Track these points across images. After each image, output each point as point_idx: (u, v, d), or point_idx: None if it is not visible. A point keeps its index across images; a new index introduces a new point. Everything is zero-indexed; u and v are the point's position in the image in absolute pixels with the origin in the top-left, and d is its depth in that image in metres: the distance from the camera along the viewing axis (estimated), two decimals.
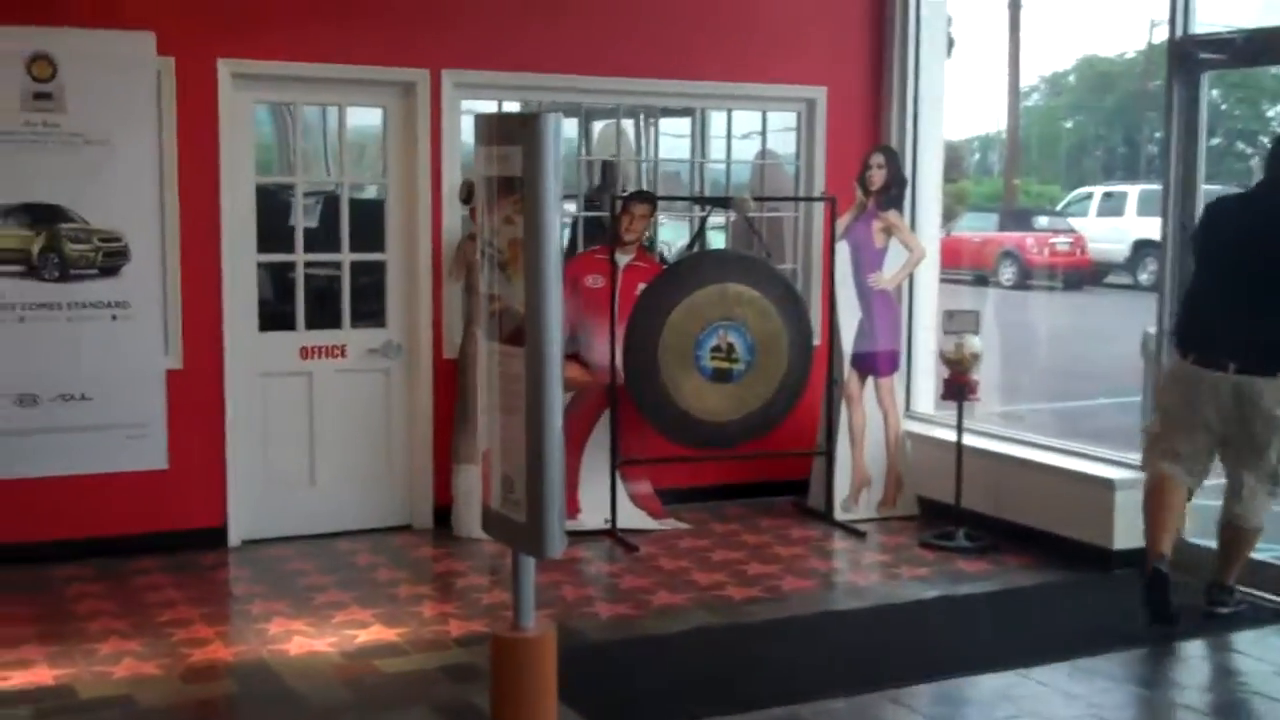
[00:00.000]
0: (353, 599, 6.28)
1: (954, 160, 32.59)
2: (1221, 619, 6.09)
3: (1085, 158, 37.46)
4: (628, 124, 8.95)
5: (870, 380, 8.04)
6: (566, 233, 8.91)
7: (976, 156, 39.26)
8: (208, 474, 7.08)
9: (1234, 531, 6.13)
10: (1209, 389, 5.96)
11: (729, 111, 8.29)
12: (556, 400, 3.90)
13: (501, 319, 3.97)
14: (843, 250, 7.96)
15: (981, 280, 23.08)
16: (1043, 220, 24.95)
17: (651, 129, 8.81)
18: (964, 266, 22.45)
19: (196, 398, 7.00)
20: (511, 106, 7.77)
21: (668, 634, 5.89)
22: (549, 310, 3.79)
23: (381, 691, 5.22)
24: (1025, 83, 35.96)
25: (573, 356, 7.70)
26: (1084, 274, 23.43)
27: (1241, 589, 6.26)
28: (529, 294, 3.79)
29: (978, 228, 25.28)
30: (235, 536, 7.15)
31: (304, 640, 5.73)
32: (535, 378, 3.83)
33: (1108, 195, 25.28)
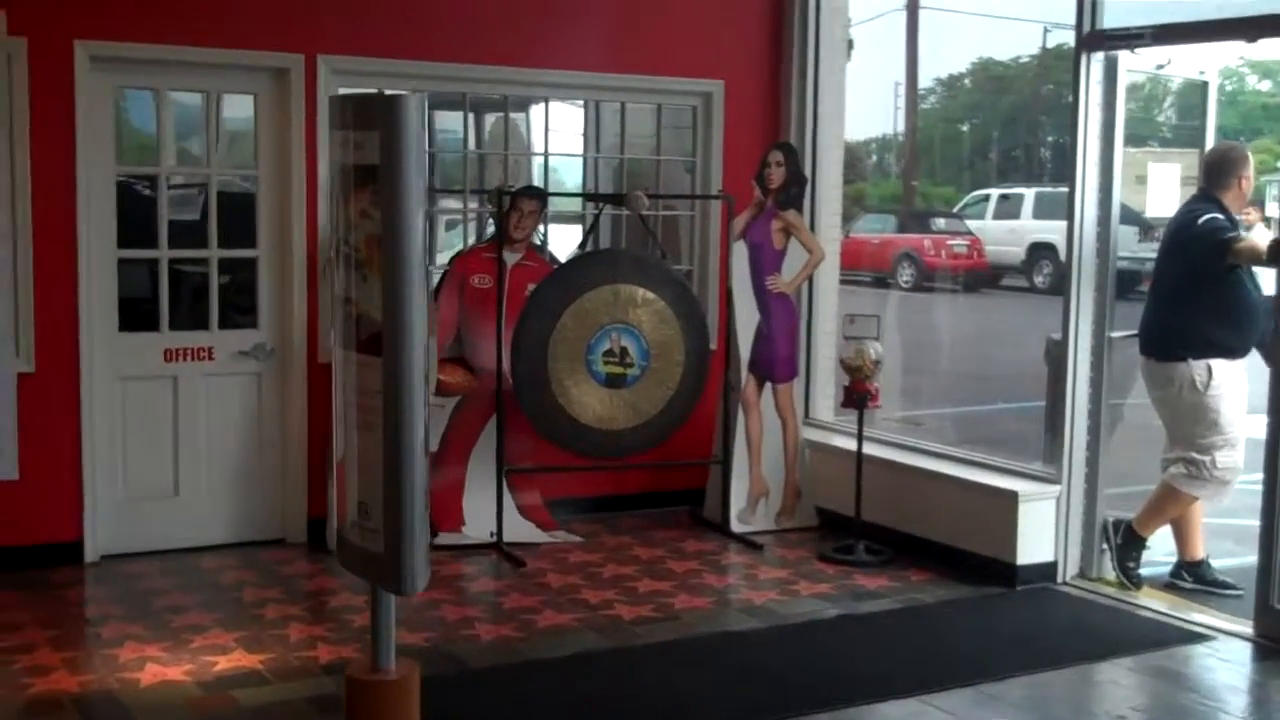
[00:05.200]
0: (214, 621, 5.84)
1: (852, 161, 32.66)
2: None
3: (981, 160, 37.73)
4: (519, 117, 8.61)
5: (768, 386, 7.74)
6: (457, 231, 8.54)
7: (874, 158, 39.42)
8: (62, 485, 6.59)
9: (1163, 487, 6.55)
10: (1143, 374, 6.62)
11: (622, 105, 7.95)
12: (418, 417, 3.50)
13: (358, 324, 3.56)
14: (740, 251, 7.65)
15: (881, 282, 23.01)
16: (940, 222, 24.95)
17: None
18: (863, 268, 22.37)
19: (50, 403, 6.52)
20: None
21: (551, 659, 5.53)
22: (410, 315, 3.40)
23: None
24: (922, 85, 36.15)
25: (458, 360, 7.33)
26: (981, 276, 23.46)
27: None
28: (388, 297, 3.40)
29: (876, 230, 25.23)
30: (92, 552, 6.67)
31: (158, 668, 5.29)
32: (394, 391, 3.43)
33: (1004, 197, 25.34)
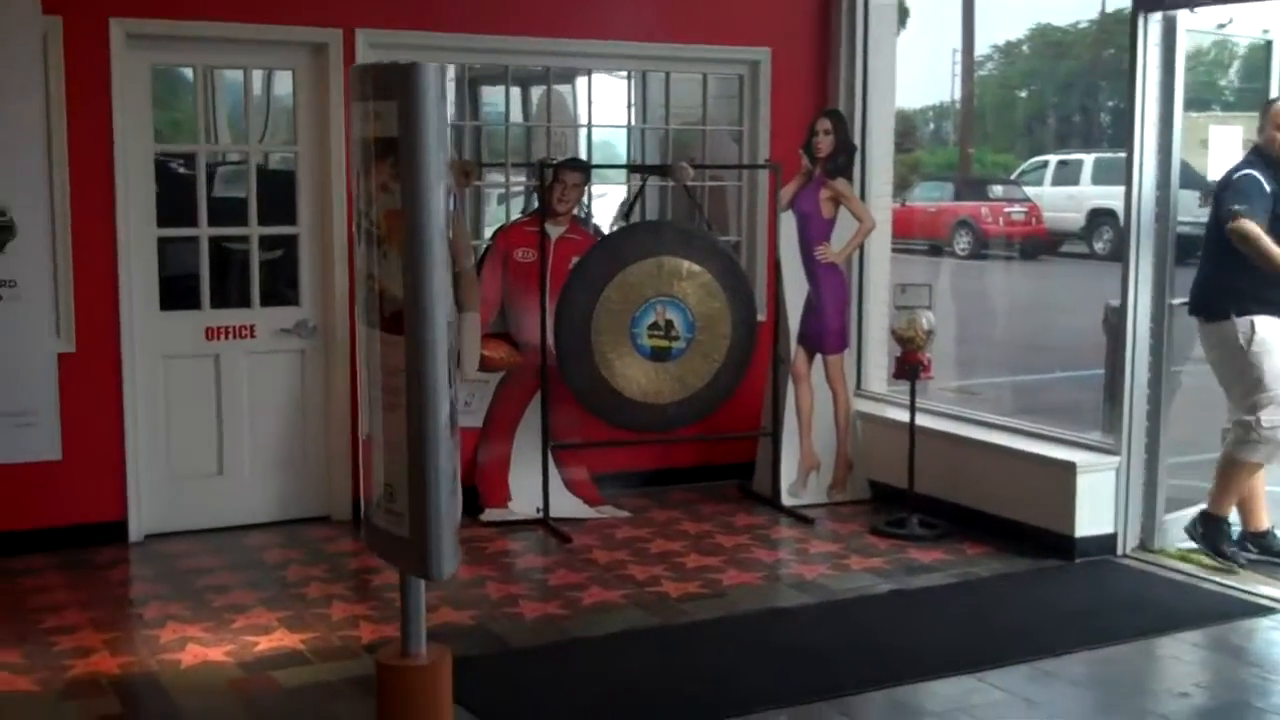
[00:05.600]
0: (257, 600, 5.79)
1: (908, 130, 32.38)
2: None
3: (1039, 126, 37.26)
4: (565, 89, 8.48)
5: (818, 358, 7.60)
6: (498, 205, 8.44)
7: (931, 126, 39.05)
8: (105, 464, 6.55)
9: (1223, 458, 6.37)
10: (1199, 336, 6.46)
11: (667, 74, 7.80)
12: (442, 396, 3.37)
13: (380, 301, 3.45)
14: (788, 221, 7.50)
15: (936, 250, 22.76)
16: (998, 189, 24.61)
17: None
18: (918, 237, 22.13)
19: (92, 382, 6.48)
20: None
21: (596, 638, 5.43)
22: (432, 292, 3.28)
23: (276, 709, 4.74)
24: (979, 52, 35.73)
25: (502, 335, 7.23)
26: (1040, 243, 23.15)
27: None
28: (409, 273, 3.28)
29: (933, 197, 24.95)
30: (136, 531, 6.64)
31: (199, 648, 5.24)
32: (418, 370, 3.31)
33: (1063, 163, 24.97)
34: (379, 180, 3.36)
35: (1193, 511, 6.49)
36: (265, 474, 6.93)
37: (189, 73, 7.06)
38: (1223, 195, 6.25)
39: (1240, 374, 6.23)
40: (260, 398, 6.89)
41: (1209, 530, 6.36)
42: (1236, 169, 6.29)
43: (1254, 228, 6.09)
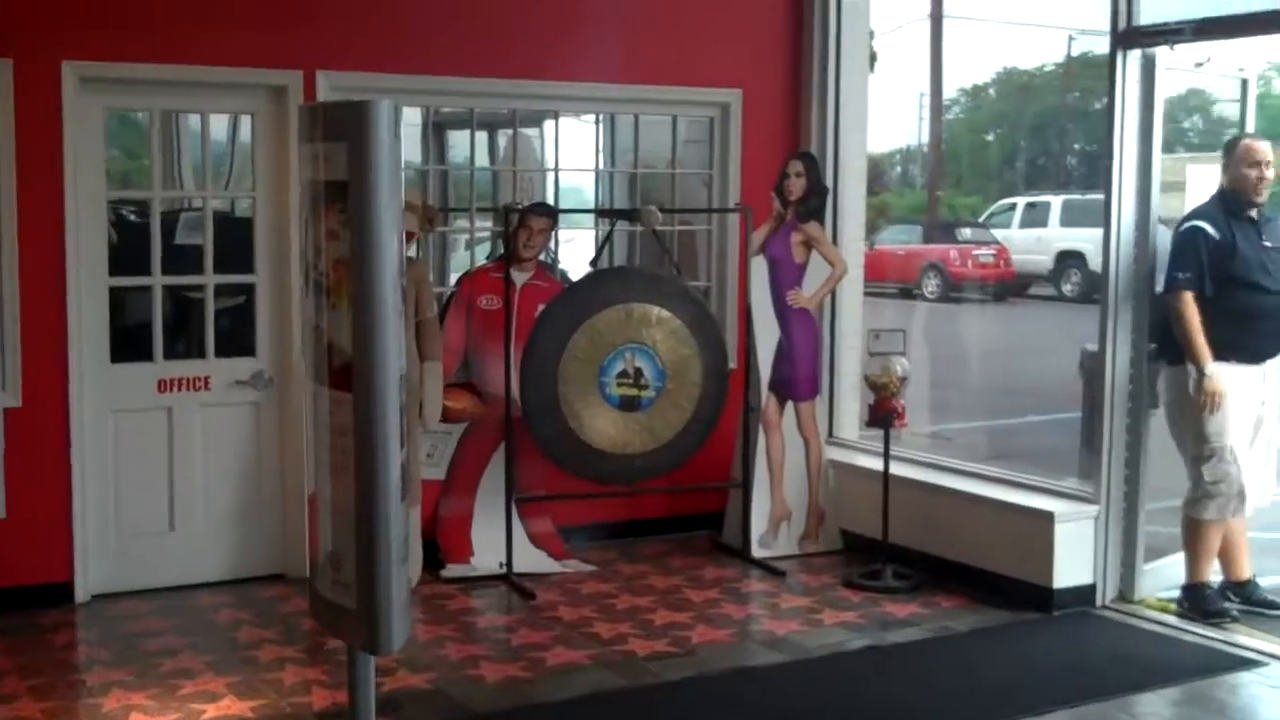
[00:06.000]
0: (206, 664, 5.55)
1: (877, 173, 32.42)
2: None
3: (1008, 170, 37.40)
4: (533, 132, 8.33)
5: (790, 405, 7.43)
6: (465, 251, 8.26)
7: (899, 169, 39.14)
8: (51, 522, 6.30)
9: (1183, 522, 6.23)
10: None
11: (636, 117, 7.65)
12: (393, 459, 3.18)
13: (329, 356, 3.24)
14: (759, 266, 7.35)
15: (906, 293, 22.69)
16: (966, 232, 24.60)
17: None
18: (888, 280, 22.06)
19: (38, 437, 6.24)
20: None
21: (559, 701, 5.21)
22: (383, 347, 3.08)
23: None
24: (947, 96, 35.86)
25: (466, 385, 7.05)
26: (1008, 286, 23.11)
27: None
28: (358, 326, 3.08)
29: (901, 240, 24.92)
30: (83, 592, 6.38)
31: (143, 717, 5.00)
32: (367, 431, 3.11)
33: (1031, 205, 24.99)
34: (328, 226, 3.16)
35: (1172, 561, 6.34)
36: (218, 531, 6.69)
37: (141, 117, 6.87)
38: (1172, 246, 6.14)
39: (1186, 423, 6.09)
40: (214, 452, 6.66)
41: (1194, 601, 6.16)
42: (1187, 217, 6.17)
43: (1189, 311, 5.98)
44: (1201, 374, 5.94)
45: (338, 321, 3.16)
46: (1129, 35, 6.15)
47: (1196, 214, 6.16)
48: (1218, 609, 6.10)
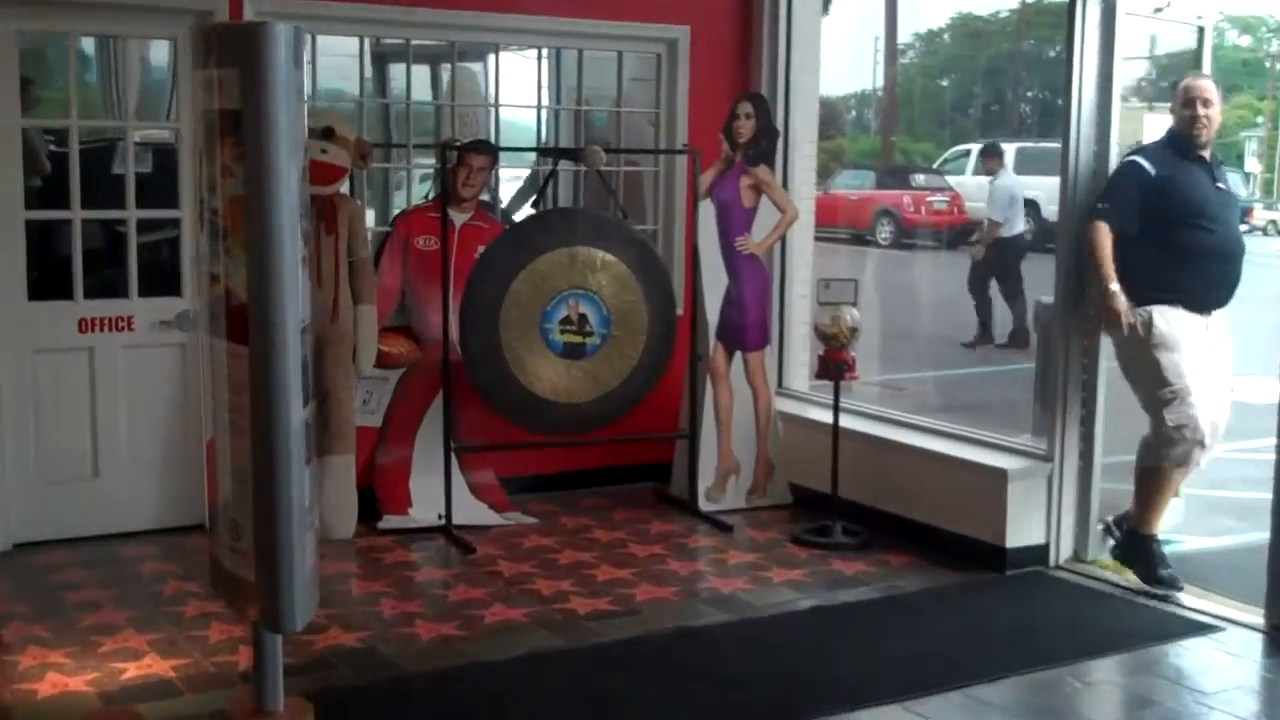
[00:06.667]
0: (128, 620, 5.30)
1: (831, 117, 32.12)
2: None
3: (962, 116, 37.24)
4: (476, 67, 8.03)
5: (738, 355, 7.21)
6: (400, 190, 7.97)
7: (854, 113, 38.87)
8: None
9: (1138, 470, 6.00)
10: None
11: (580, 52, 7.36)
12: (295, 418, 2.91)
13: (226, 305, 2.97)
14: (707, 210, 7.11)
15: (859, 239, 22.48)
16: (919, 178, 24.37)
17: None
18: (841, 225, 21.84)
19: None
20: (327, 43, 6.78)
21: (496, 661, 5.00)
22: (282, 294, 2.81)
23: None
24: (902, 40, 35.63)
25: (403, 329, 6.79)
26: (962, 232, 22.94)
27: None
28: (253, 272, 2.81)
29: (854, 186, 24.68)
30: (3, 540, 6.13)
31: (59, 676, 4.75)
32: (265, 387, 2.84)
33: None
34: (223, 161, 2.88)
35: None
36: (144, 478, 6.42)
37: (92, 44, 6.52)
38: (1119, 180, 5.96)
39: (1145, 366, 5.86)
40: (139, 395, 6.37)
41: (1138, 550, 5.96)
42: (1129, 152, 5.98)
43: (1099, 237, 5.79)
44: (1106, 294, 5.76)
45: (233, 266, 2.88)
46: None
47: (1139, 150, 5.98)
48: (1164, 574, 5.86)
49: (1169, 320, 5.78)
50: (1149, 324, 5.77)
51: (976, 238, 13.61)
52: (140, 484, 6.41)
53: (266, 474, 2.88)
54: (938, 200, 22.99)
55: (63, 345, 6.22)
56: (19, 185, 6.07)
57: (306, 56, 6.90)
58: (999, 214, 13.33)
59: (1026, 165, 22.03)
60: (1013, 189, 13.57)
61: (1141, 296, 5.80)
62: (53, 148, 6.39)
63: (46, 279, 6.25)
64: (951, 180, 23.90)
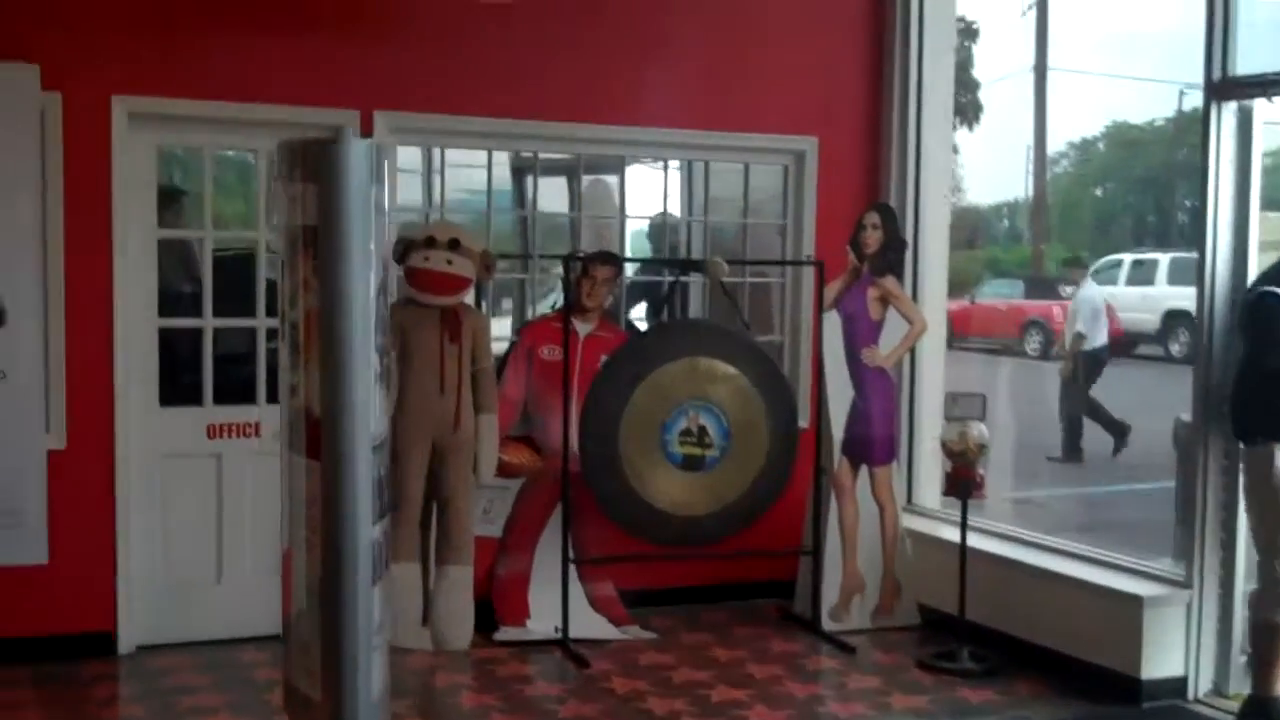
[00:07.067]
0: None
1: (982, 226, 31.77)
2: None
3: (1115, 225, 36.57)
4: (612, 179, 8.07)
5: (864, 470, 7.05)
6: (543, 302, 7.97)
7: (1005, 223, 38.43)
8: (95, 570, 6.14)
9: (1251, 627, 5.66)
10: None
11: (705, 164, 7.36)
12: (364, 535, 2.88)
13: (305, 421, 2.96)
14: (833, 321, 7.00)
15: (1007, 350, 22.08)
16: (1070, 289, 23.88)
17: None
18: (990, 335, 21.48)
19: (83, 481, 6.09)
20: (455, 157, 6.88)
21: None
22: (353, 410, 2.79)
23: None
24: (1055, 149, 35.23)
25: (524, 439, 6.77)
26: (1114, 345, 22.39)
27: None
28: (326, 387, 2.80)
29: (1003, 295, 24.31)
30: (126, 643, 6.21)
31: None
32: (335, 503, 2.82)
33: (1138, 263, 24.23)
34: (304, 274, 2.89)
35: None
36: (267, 583, 6.44)
37: (249, 158, 6.69)
38: (1243, 313, 5.66)
39: (1262, 509, 5.52)
40: (264, 500, 6.43)
41: (1264, 715, 5.52)
42: (1260, 282, 5.64)
43: None
44: None
45: (307, 381, 2.87)
46: (1224, 86, 5.76)
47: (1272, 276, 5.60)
48: None
49: None
50: (1271, 460, 5.47)
51: (1056, 351, 13.39)
52: (263, 589, 6.42)
53: (334, 591, 2.84)
54: None
55: (191, 450, 6.33)
56: (155, 293, 6.24)
57: (422, 168, 7.05)
58: (1084, 325, 13.14)
59: (1180, 275, 21.54)
60: (1094, 300, 13.43)
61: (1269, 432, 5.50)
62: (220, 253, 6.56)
63: (179, 385, 6.38)
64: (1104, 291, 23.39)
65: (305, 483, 2.92)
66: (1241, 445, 5.67)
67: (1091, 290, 13.74)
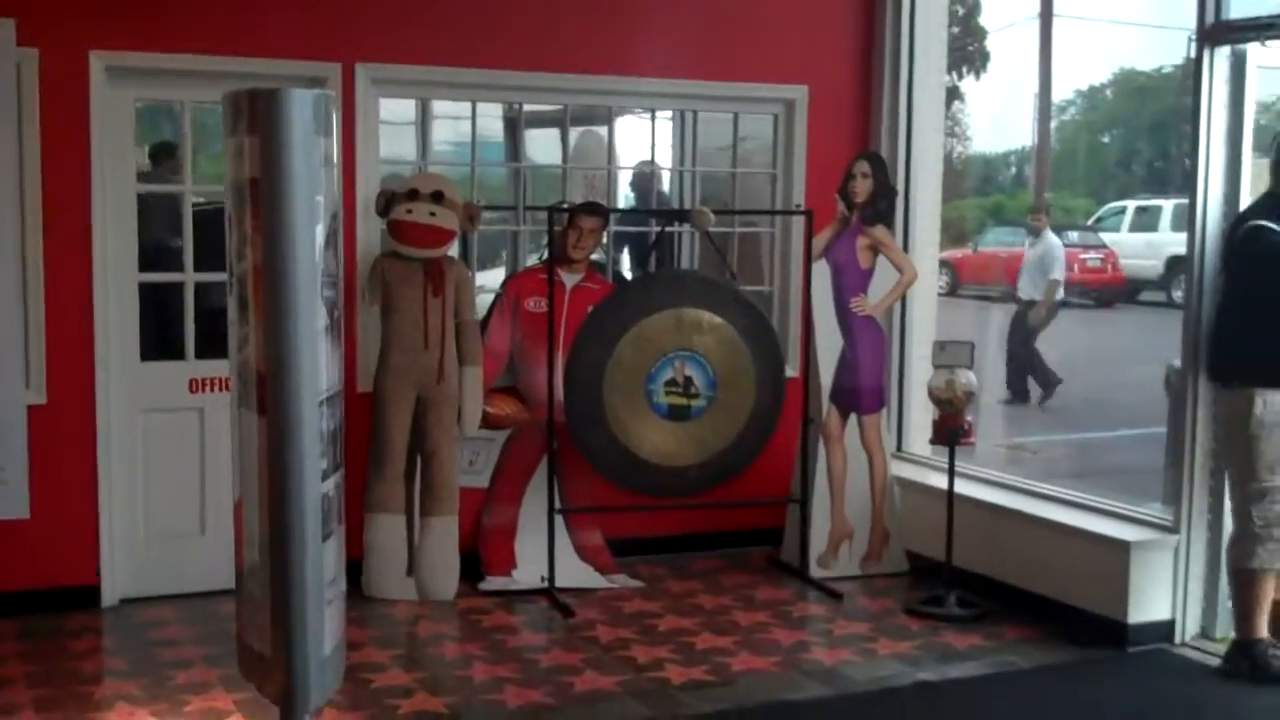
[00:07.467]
0: (219, 678, 5.30)
1: (989, 174, 31.56)
2: None
3: (1124, 172, 36.35)
4: (602, 130, 8.00)
5: (853, 418, 7.02)
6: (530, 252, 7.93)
7: (1012, 170, 38.21)
8: (78, 524, 6.13)
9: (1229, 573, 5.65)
10: None
11: (694, 113, 7.29)
12: (312, 491, 2.84)
13: (247, 375, 2.91)
14: (822, 271, 6.95)
15: (1011, 297, 21.99)
16: (1073, 235, 23.75)
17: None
18: (993, 283, 21.40)
19: (64, 436, 6.07)
20: (442, 108, 6.82)
21: None
22: (299, 365, 2.74)
23: None
24: (1061, 96, 34.96)
25: (509, 390, 6.75)
26: (1117, 291, 22.29)
27: None
28: (269, 342, 2.75)
29: (1006, 243, 24.18)
30: (110, 596, 6.21)
31: None
32: (278, 458, 2.78)
33: (1141, 209, 24.11)
34: (244, 231, 2.84)
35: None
36: None
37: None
38: (1228, 255, 5.60)
39: (1237, 453, 5.50)
40: None
41: (1248, 658, 5.49)
42: (1244, 218, 5.57)
43: None
44: None
45: (252, 335, 2.82)
46: (1217, 30, 5.68)
47: (1261, 210, 5.53)
48: (1275, 670, 5.44)
49: (1268, 404, 5.41)
50: (1259, 406, 5.40)
51: (1027, 297, 13.44)
52: None
53: (283, 546, 2.80)
54: (1091, 258, 22.39)
55: (173, 404, 6.31)
56: (134, 249, 6.20)
57: (415, 118, 6.99)
58: (1059, 272, 13.14)
59: (1183, 221, 21.38)
60: (1052, 250, 13.78)
61: (1255, 377, 5.43)
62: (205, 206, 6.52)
63: (160, 340, 6.36)
64: (1107, 237, 23.28)
65: (253, 438, 2.88)
66: (1219, 387, 5.64)
67: (1050, 240, 13.83)
